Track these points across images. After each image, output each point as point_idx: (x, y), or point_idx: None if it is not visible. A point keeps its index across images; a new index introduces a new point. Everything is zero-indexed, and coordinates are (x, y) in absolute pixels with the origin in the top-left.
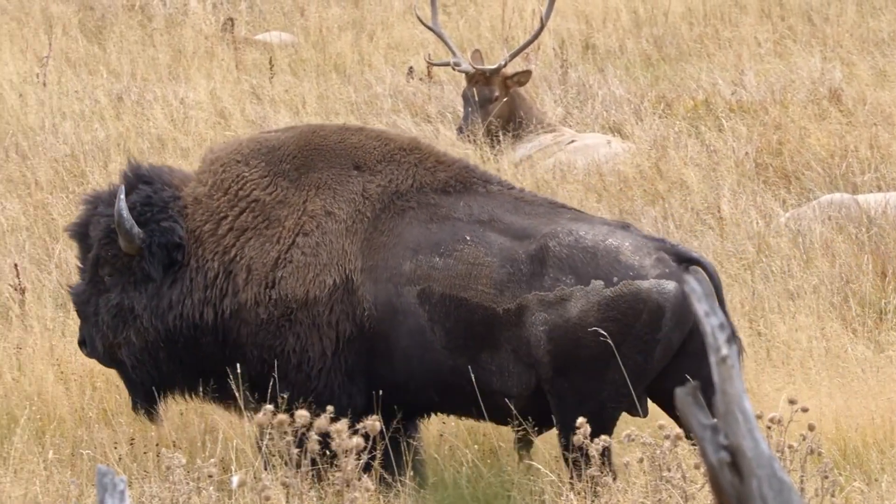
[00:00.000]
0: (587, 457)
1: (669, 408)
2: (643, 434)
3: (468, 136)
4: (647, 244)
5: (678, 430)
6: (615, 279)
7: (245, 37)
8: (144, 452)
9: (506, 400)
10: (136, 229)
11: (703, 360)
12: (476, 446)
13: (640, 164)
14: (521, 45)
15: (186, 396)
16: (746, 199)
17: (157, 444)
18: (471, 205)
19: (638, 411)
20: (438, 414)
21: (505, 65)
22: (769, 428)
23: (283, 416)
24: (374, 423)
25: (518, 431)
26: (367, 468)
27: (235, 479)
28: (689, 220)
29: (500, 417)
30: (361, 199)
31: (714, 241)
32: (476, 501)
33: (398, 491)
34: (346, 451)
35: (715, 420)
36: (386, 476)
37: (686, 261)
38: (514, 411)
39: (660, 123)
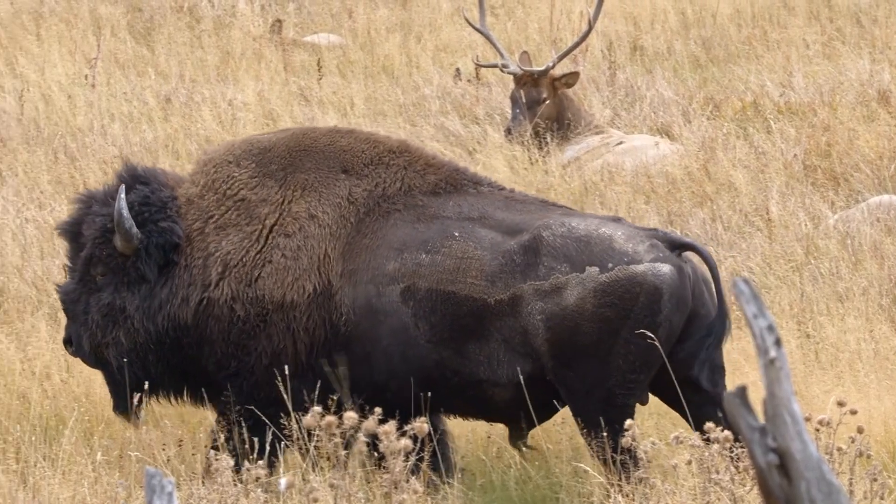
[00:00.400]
0: (634, 458)
1: (670, 399)
2: (691, 436)
3: (516, 137)
4: (639, 232)
5: (727, 433)
6: (610, 265)
7: (293, 38)
8: (193, 454)
9: (490, 389)
10: (136, 229)
11: (701, 343)
12: (524, 448)
13: (689, 166)
14: (569, 47)
15: (172, 400)
16: (795, 201)
17: (205, 447)
18: (460, 204)
19: (641, 398)
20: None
21: (553, 66)
22: (818, 430)
23: (331, 418)
24: (422, 425)
25: (508, 425)
26: (415, 470)
27: (283, 482)
28: (737, 222)
29: (487, 411)
30: (347, 203)
31: (762, 242)
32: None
33: (445, 493)
34: (394, 452)
35: (763, 423)
36: (434, 477)
37: (680, 247)
38: (497, 401)
39: (708, 125)
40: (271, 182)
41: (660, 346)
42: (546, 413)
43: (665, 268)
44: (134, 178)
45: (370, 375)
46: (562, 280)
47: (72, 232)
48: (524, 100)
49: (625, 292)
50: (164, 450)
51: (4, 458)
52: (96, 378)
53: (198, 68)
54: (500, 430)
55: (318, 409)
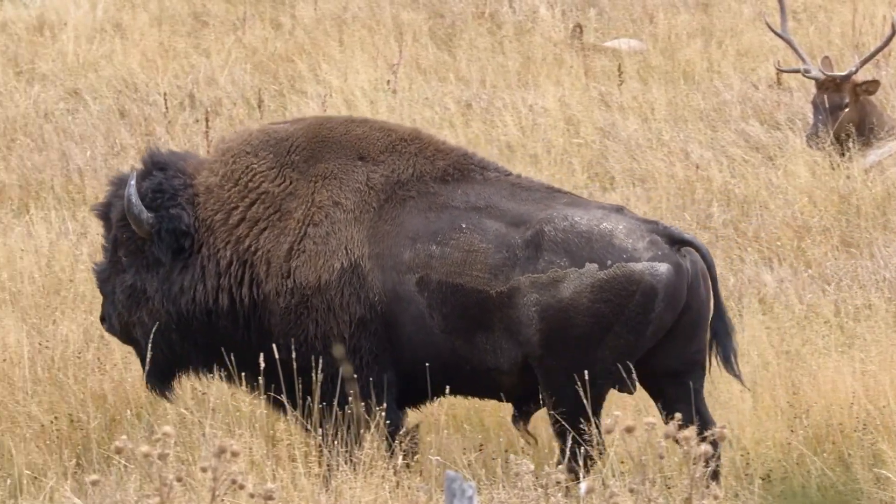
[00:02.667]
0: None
1: (654, 390)
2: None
3: (817, 143)
4: (640, 227)
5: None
6: (609, 262)
7: (593, 44)
8: (493, 458)
9: (498, 376)
10: (146, 214)
11: (690, 340)
12: (825, 454)
13: None
14: (872, 52)
15: (201, 376)
16: None
17: (505, 451)
18: (468, 193)
19: (628, 387)
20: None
21: (856, 71)
22: None
23: (630, 422)
24: (721, 430)
25: (516, 406)
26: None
27: (584, 486)
28: None
29: (499, 395)
30: (367, 188)
31: None
32: None
33: (745, 500)
34: (696, 457)
35: None
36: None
37: (679, 242)
38: (506, 386)
39: None
40: (293, 174)
41: (645, 341)
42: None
43: (662, 267)
44: (154, 164)
45: (400, 361)
46: (560, 274)
47: (103, 213)
48: (826, 105)
49: (621, 290)
50: (464, 454)
51: (307, 461)
52: None
53: (498, 74)
54: (802, 436)
55: (617, 413)
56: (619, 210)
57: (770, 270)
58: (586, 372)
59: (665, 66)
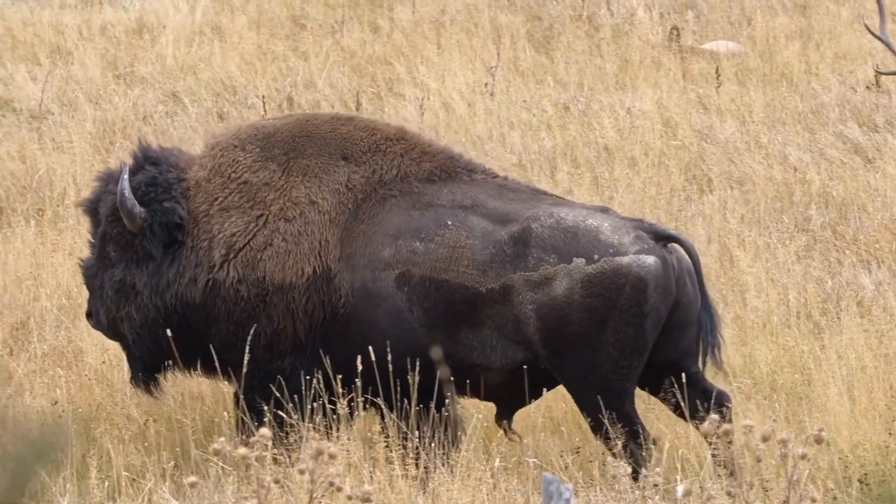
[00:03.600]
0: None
1: (651, 386)
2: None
3: None
4: (625, 224)
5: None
6: (596, 256)
7: (691, 46)
8: (590, 461)
9: (483, 373)
10: (138, 209)
11: (683, 333)
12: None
13: None
14: None
15: (188, 373)
16: None
17: (602, 453)
18: (454, 192)
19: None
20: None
21: None
22: None
23: (727, 426)
24: (819, 434)
25: (498, 404)
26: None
27: (681, 489)
28: None
29: (478, 392)
30: (345, 189)
31: None
32: None
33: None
34: (793, 459)
35: None
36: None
37: (664, 238)
38: (491, 384)
39: None
40: (274, 166)
41: (647, 335)
42: (535, 395)
43: (649, 259)
44: (146, 159)
45: (362, 354)
46: (550, 271)
47: (91, 209)
48: None
49: (610, 283)
50: (561, 456)
51: (404, 463)
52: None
53: (596, 76)
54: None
55: (714, 416)
56: (604, 210)
57: (868, 273)
58: (595, 370)
59: (763, 68)
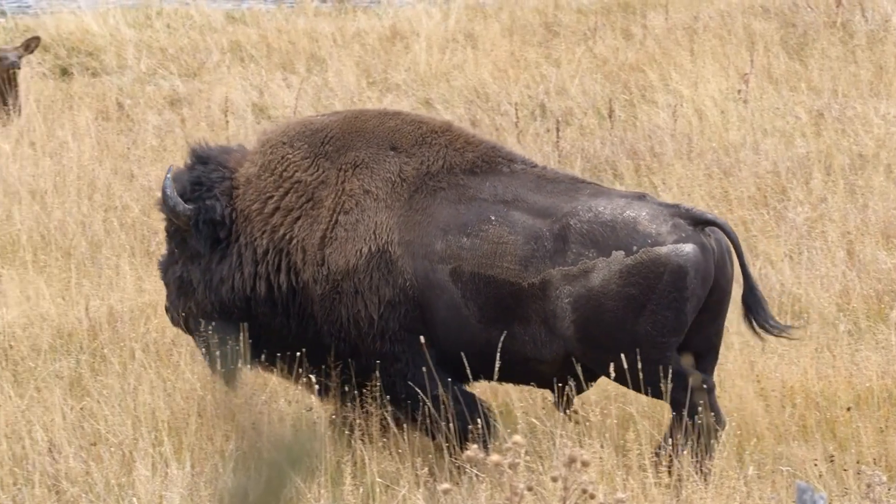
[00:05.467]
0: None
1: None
2: None
3: None
4: (663, 212)
5: None
6: (635, 248)
7: None
8: (844, 469)
9: (537, 366)
10: (181, 206)
11: (715, 318)
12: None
13: None
14: None
15: (261, 366)
16: None
17: (857, 462)
18: (496, 185)
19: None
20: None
21: None
22: None
23: None
24: None
25: (557, 393)
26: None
27: None
28: None
29: (538, 382)
30: (398, 178)
31: None
32: None
33: None
34: None
35: None
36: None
37: (702, 223)
38: (547, 375)
39: None
40: (326, 163)
41: (686, 316)
42: (592, 380)
43: (688, 247)
44: (197, 158)
45: (435, 343)
46: (589, 265)
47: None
48: None
49: (649, 272)
50: (815, 465)
51: (657, 471)
52: (748, 393)
53: (850, 83)
54: None
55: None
56: (642, 197)
57: None
58: (633, 349)
59: None
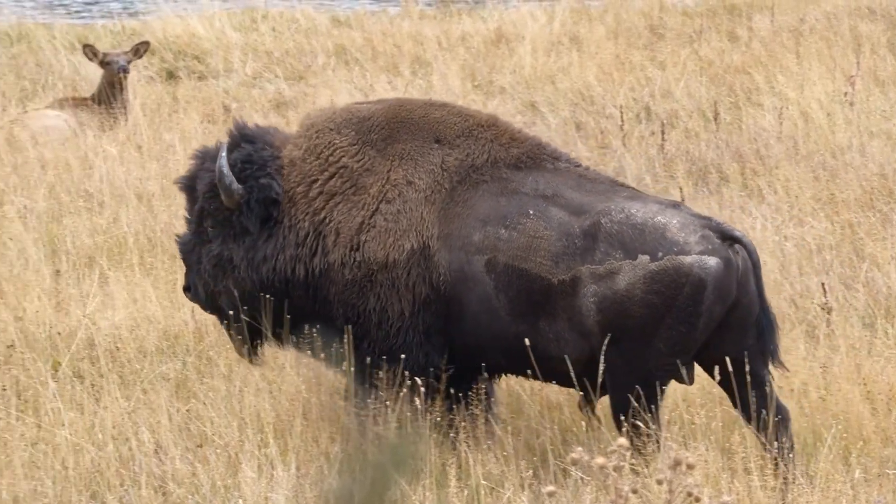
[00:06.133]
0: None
1: (720, 381)
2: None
3: None
4: (693, 222)
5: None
6: (660, 254)
7: None
8: None
9: (560, 365)
10: (236, 185)
11: (745, 331)
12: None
13: None
14: None
15: (280, 345)
16: None
17: None
18: (538, 180)
19: (684, 380)
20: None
21: None
22: None
23: None
24: None
25: (581, 393)
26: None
27: None
28: None
29: (563, 381)
30: (440, 170)
31: None
32: None
33: None
34: None
35: None
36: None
37: (730, 239)
38: (573, 374)
39: None
40: (371, 151)
41: (697, 334)
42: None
43: (712, 261)
44: (242, 137)
45: (462, 337)
46: (615, 266)
47: (188, 186)
48: None
49: (671, 282)
50: None
51: (762, 474)
52: (854, 396)
53: None
54: None
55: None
56: (676, 206)
57: None
58: (644, 364)
59: None
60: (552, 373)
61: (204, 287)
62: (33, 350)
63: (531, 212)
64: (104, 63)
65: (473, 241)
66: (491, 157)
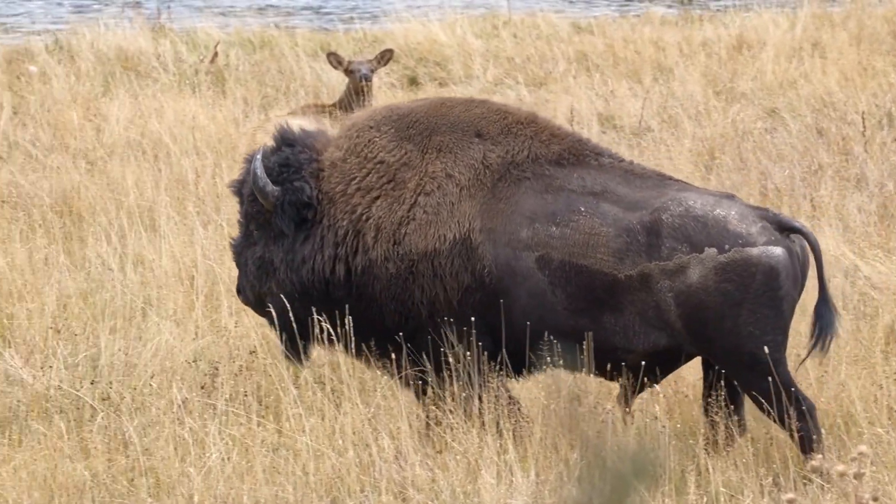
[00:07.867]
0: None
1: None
2: None
3: None
4: (751, 213)
5: None
6: (726, 246)
7: None
8: None
9: (624, 355)
10: (271, 187)
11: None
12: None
13: None
14: None
15: (328, 347)
16: None
17: None
18: (584, 177)
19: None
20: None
21: None
22: None
23: None
24: None
25: (623, 385)
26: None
27: None
28: None
29: (614, 373)
30: (481, 165)
31: None
32: None
33: None
34: None
35: None
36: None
37: (788, 229)
38: (630, 365)
39: None
40: (410, 146)
41: (785, 315)
42: (664, 375)
43: (777, 250)
44: (283, 141)
45: (511, 330)
46: (684, 260)
47: (237, 190)
48: None
49: (742, 271)
50: None
51: None
52: None
53: None
54: None
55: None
56: (730, 197)
57: None
58: (743, 349)
59: None
60: (613, 362)
61: (251, 289)
62: (275, 356)
63: (582, 209)
64: (348, 71)
65: (521, 238)
66: (531, 153)
